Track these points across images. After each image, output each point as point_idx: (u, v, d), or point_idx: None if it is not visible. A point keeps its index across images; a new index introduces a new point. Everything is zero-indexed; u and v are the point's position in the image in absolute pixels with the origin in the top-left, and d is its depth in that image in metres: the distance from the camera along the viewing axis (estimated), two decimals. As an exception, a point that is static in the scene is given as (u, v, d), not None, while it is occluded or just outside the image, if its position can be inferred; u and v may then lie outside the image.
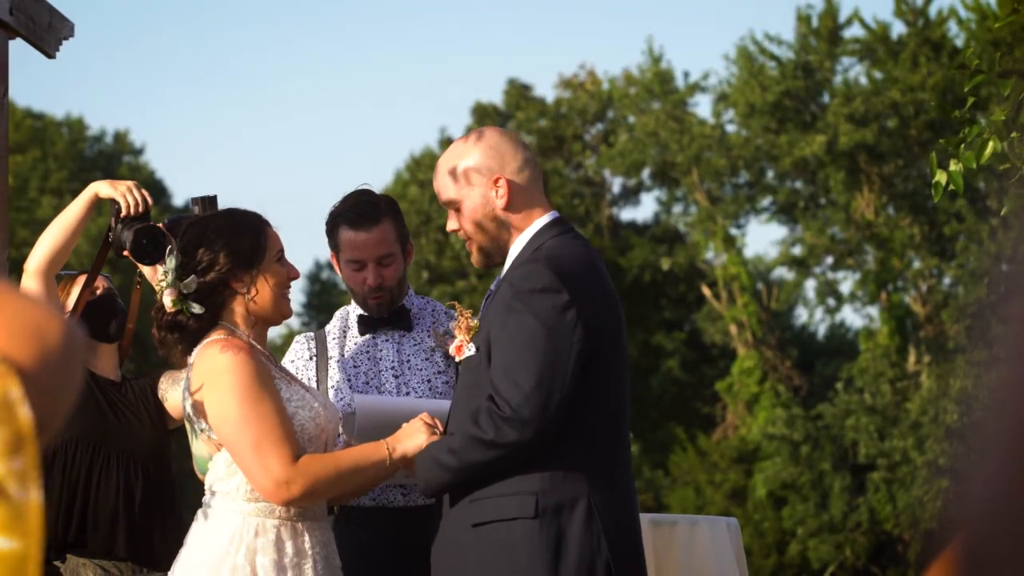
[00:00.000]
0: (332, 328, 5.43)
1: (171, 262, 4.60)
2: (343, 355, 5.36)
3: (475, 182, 4.57)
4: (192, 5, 61.68)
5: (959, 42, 32.81)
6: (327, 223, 5.46)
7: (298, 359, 5.40)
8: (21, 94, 45.16)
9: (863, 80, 33.78)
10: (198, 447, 4.63)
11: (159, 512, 5.35)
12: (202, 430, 4.54)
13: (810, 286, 35.56)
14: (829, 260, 34.69)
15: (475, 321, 4.55)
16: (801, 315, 36.94)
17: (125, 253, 5.12)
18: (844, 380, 31.93)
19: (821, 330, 37.18)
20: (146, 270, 5.17)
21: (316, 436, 4.59)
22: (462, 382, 4.60)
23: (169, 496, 5.42)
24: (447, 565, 4.52)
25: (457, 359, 4.64)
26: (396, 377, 5.29)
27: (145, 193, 5.13)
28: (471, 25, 58.85)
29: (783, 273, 35.64)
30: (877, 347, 31.79)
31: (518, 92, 36.63)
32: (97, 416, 5.40)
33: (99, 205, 5.24)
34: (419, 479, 4.50)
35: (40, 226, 40.51)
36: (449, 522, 4.50)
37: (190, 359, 4.58)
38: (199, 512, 4.61)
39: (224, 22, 60.81)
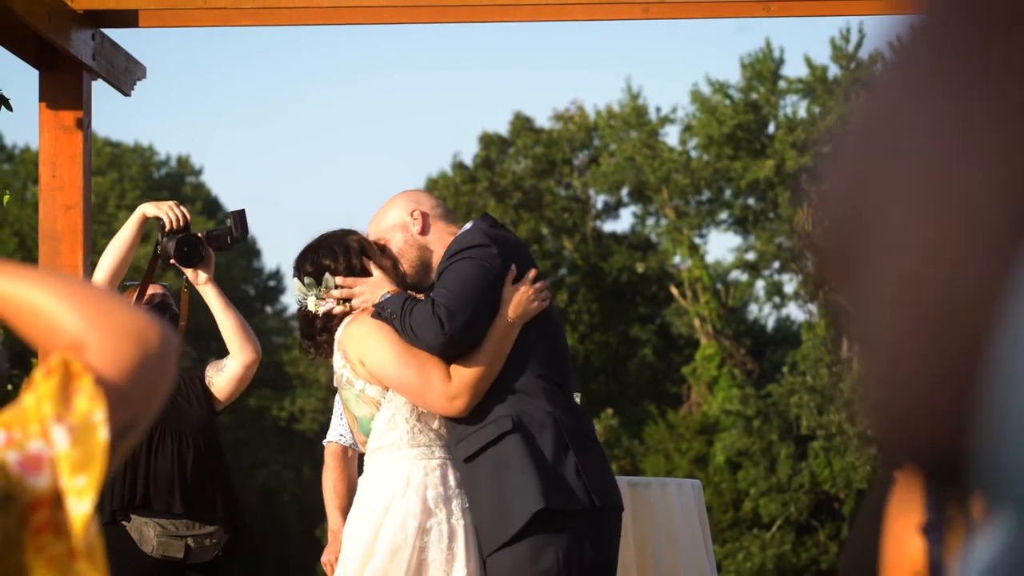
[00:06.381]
0: None
1: (307, 281, 4.62)
2: None
3: (398, 219, 4.66)
4: (238, 55, 61.71)
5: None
6: None
7: None
8: (101, 126, 45.15)
9: (802, 113, 33.82)
10: (359, 409, 4.53)
11: (209, 476, 5.35)
12: (362, 391, 4.50)
13: (760, 286, 35.57)
14: (776, 265, 34.70)
15: None
16: (753, 310, 36.91)
17: (171, 261, 5.12)
18: (789, 365, 31.90)
19: (770, 323, 37.15)
20: (188, 273, 5.16)
21: None
22: None
23: (218, 462, 5.42)
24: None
25: None
26: None
27: (184, 210, 5.15)
28: (482, 66, 58.86)
29: (738, 275, 35.62)
30: (816, 337, 31.77)
31: (521, 123, 36.57)
32: None
33: (148, 225, 5.25)
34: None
35: (117, 236, 40.43)
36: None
37: (336, 339, 4.57)
38: (363, 476, 4.55)
39: (263, 64, 60.82)
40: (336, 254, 4.60)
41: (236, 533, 5.36)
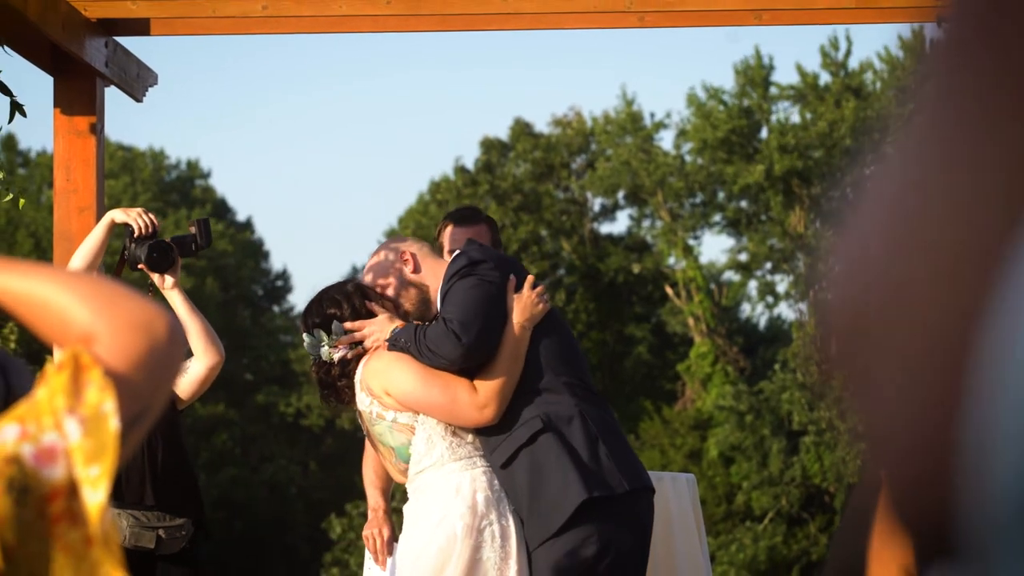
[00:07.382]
0: None
1: (318, 334, 4.62)
2: None
3: (390, 265, 4.71)
4: (246, 61, 61.73)
5: (878, 85, 32.79)
6: (438, 228, 5.46)
7: None
8: (114, 130, 45.14)
9: (795, 118, 33.81)
10: (395, 439, 4.54)
11: (177, 470, 5.38)
12: (394, 420, 4.49)
13: (753, 286, 35.56)
14: (768, 265, 34.69)
15: None
16: (745, 310, 36.89)
17: (140, 266, 5.13)
18: (781, 362, 31.89)
19: (762, 322, 37.13)
20: (155, 278, 5.16)
21: None
22: None
23: (184, 457, 5.46)
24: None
25: None
26: None
27: (152, 217, 5.16)
28: (483, 73, 58.89)
29: (731, 276, 35.61)
30: (807, 335, 31.69)
31: (521, 128, 36.55)
32: None
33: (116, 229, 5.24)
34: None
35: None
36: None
37: (357, 381, 4.57)
38: (409, 501, 4.53)
39: (269, 70, 60.84)
40: (339, 302, 4.61)
41: (200, 526, 5.41)
